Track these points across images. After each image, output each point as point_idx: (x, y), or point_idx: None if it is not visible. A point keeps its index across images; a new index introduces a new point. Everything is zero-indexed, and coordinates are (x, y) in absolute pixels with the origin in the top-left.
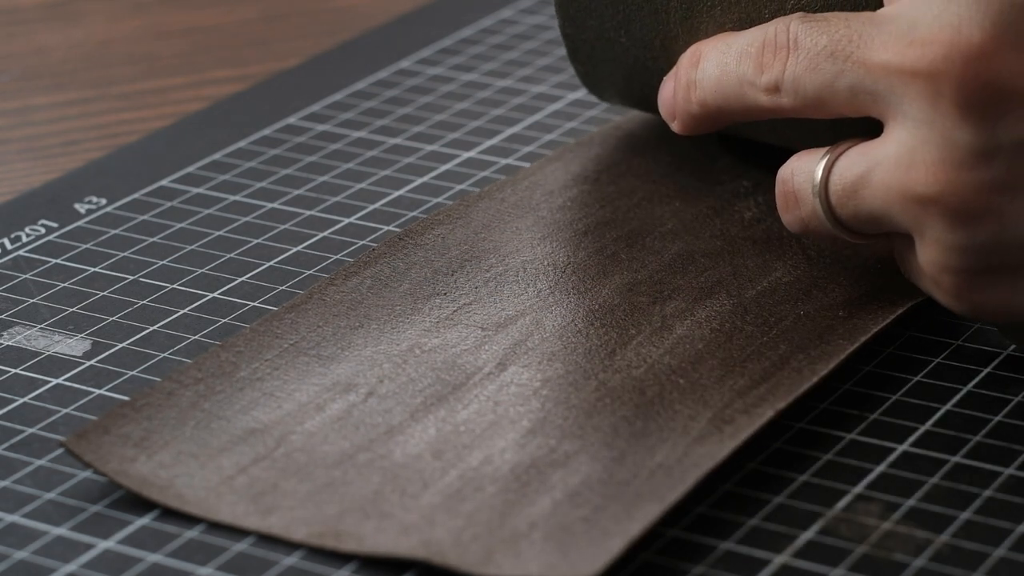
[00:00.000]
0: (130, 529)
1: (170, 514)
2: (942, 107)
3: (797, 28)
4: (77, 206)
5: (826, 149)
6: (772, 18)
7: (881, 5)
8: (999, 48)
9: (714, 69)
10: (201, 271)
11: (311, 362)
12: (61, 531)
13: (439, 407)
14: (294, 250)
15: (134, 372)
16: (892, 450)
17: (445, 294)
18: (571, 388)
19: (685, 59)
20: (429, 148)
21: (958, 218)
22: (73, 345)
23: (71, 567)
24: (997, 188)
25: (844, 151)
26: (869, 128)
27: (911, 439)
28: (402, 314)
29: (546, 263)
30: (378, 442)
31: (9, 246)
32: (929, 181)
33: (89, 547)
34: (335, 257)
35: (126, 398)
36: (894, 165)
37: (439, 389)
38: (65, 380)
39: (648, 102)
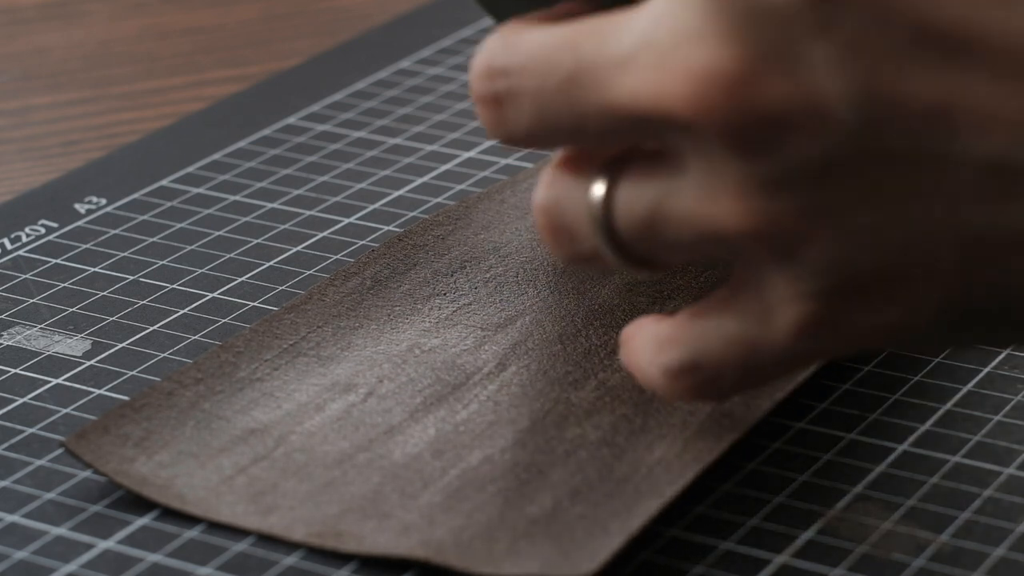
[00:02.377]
0: (130, 529)
1: (170, 514)
2: (712, 147)
3: (505, 65)
4: (77, 206)
5: (595, 171)
6: None
7: None
8: (759, 71)
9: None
10: (201, 271)
11: (311, 362)
12: (61, 531)
13: (439, 407)
14: (294, 250)
15: (134, 372)
16: (892, 450)
17: (445, 295)
18: (571, 388)
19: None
20: (429, 148)
21: (785, 249)
22: (73, 345)
23: (71, 567)
24: (813, 211)
25: (620, 176)
26: None
27: (911, 439)
28: (402, 314)
29: (546, 263)
30: (378, 442)
31: (9, 246)
32: (736, 217)
33: (89, 547)
34: (335, 257)
35: (126, 398)
36: (691, 197)
37: (439, 389)
38: (65, 380)
39: None
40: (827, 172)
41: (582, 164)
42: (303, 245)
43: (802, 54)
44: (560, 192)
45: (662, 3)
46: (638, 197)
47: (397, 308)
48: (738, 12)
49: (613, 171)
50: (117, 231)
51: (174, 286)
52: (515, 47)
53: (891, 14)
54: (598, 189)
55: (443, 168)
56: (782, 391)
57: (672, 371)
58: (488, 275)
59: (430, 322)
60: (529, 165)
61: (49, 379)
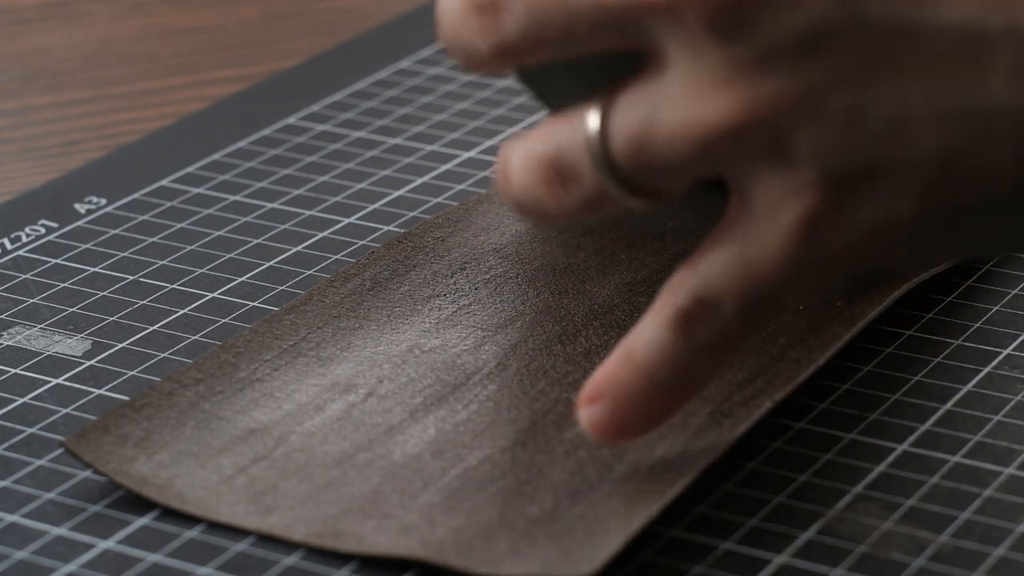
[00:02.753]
0: (130, 529)
1: (170, 514)
2: (695, 34)
3: None
4: (77, 206)
5: (586, 105)
6: None
7: None
8: None
9: (445, 35)
10: (201, 271)
11: (310, 363)
12: (61, 531)
13: (439, 407)
14: (294, 250)
15: (134, 372)
16: (892, 450)
17: (445, 295)
18: (571, 388)
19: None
20: (429, 148)
21: (773, 144)
22: (73, 345)
23: (71, 567)
24: (795, 94)
25: (612, 103)
26: None
27: (911, 439)
28: (401, 315)
29: (546, 264)
30: (378, 442)
31: (9, 246)
32: (722, 111)
33: (89, 547)
34: (335, 257)
35: (126, 398)
36: (678, 100)
37: (439, 389)
38: (65, 380)
39: None
40: (805, 47)
41: (574, 112)
42: (303, 245)
43: None
44: (558, 138)
45: None
46: (630, 116)
47: (397, 309)
48: None
49: (605, 101)
50: (117, 231)
51: (174, 286)
52: None
53: None
54: (593, 119)
55: (443, 168)
56: (781, 391)
57: (678, 317)
58: (488, 276)
59: (430, 323)
60: None
61: (49, 379)
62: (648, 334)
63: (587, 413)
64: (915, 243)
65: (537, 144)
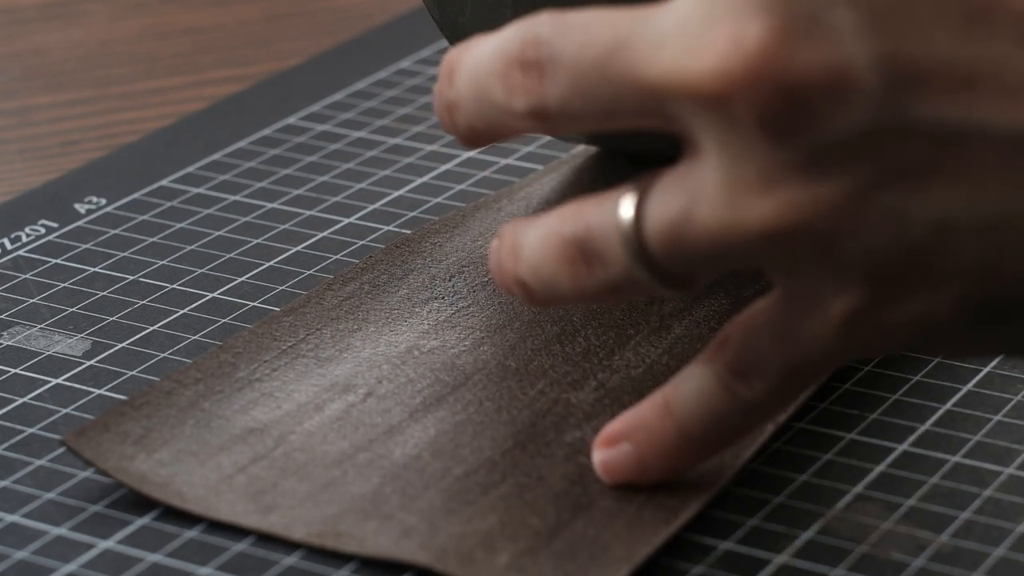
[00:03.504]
0: (130, 529)
1: (170, 514)
2: (742, 130)
3: (549, 36)
4: (77, 206)
5: (621, 189)
6: None
7: None
8: (787, 41)
9: (467, 90)
10: (201, 271)
11: (310, 363)
12: (61, 531)
13: (438, 407)
14: (294, 250)
15: (134, 372)
16: (892, 450)
17: (443, 298)
18: (570, 388)
19: (441, 72)
20: (429, 148)
21: (819, 244)
22: (73, 345)
23: (71, 567)
24: (857, 191)
25: (648, 190)
26: None
27: (911, 439)
28: (400, 317)
29: None
30: (377, 442)
31: (9, 246)
32: (771, 212)
33: (89, 547)
34: (335, 257)
35: (126, 398)
36: (719, 195)
37: (438, 390)
38: (65, 380)
39: None
40: (853, 150)
41: (604, 195)
42: (303, 245)
43: (829, 22)
44: (587, 219)
45: None
46: (667, 207)
47: (395, 311)
48: None
49: (641, 187)
50: (117, 231)
51: (174, 286)
52: (560, 21)
53: None
54: (627, 204)
55: (443, 168)
56: (784, 412)
57: (727, 373)
58: (486, 278)
59: (429, 324)
60: (529, 165)
61: (49, 379)
62: (692, 385)
63: (606, 455)
64: (953, 337)
65: (562, 223)
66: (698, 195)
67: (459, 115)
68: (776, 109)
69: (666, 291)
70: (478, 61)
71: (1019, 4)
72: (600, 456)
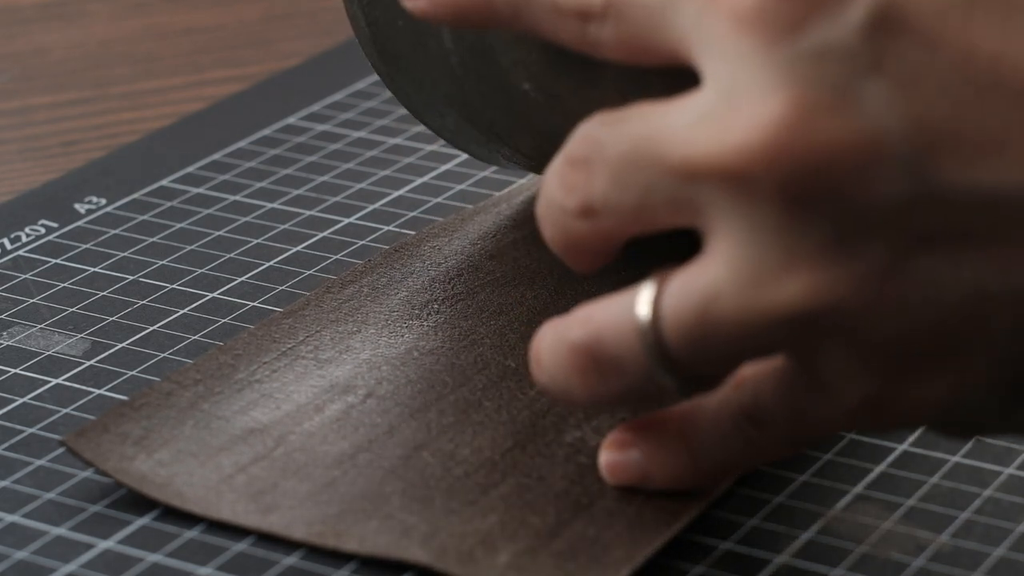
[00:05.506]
0: (130, 529)
1: (170, 514)
2: (766, 207)
3: (597, 132)
4: (77, 206)
5: (630, 291)
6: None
7: None
8: (810, 114)
9: (542, 192)
10: (201, 271)
11: (309, 365)
12: (61, 531)
13: (439, 408)
14: (294, 250)
15: (134, 372)
16: (892, 450)
17: (442, 300)
18: None
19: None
20: (429, 148)
21: (841, 327)
22: (73, 345)
23: (71, 567)
24: (883, 268)
25: (664, 285)
26: None
27: (911, 439)
28: (400, 319)
29: (544, 267)
30: (377, 442)
31: (9, 246)
32: (795, 294)
33: (89, 547)
34: (335, 257)
35: (126, 398)
36: (739, 288)
37: (438, 390)
38: (65, 380)
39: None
40: (877, 227)
41: (615, 296)
42: (303, 245)
43: (854, 92)
44: (598, 322)
45: (724, 71)
46: (686, 300)
47: (395, 313)
48: (790, 60)
49: (656, 284)
50: (117, 231)
51: (174, 286)
52: (611, 117)
53: (937, 48)
54: (643, 302)
55: (443, 168)
56: None
57: (740, 413)
58: (485, 280)
59: (428, 326)
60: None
61: (49, 379)
62: (708, 419)
63: (613, 457)
64: (985, 415)
65: (569, 329)
66: (719, 284)
67: (542, 225)
68: (799, 184)
69: (687, 394)
70: (549, 171)
71: None
72: (607, 457)
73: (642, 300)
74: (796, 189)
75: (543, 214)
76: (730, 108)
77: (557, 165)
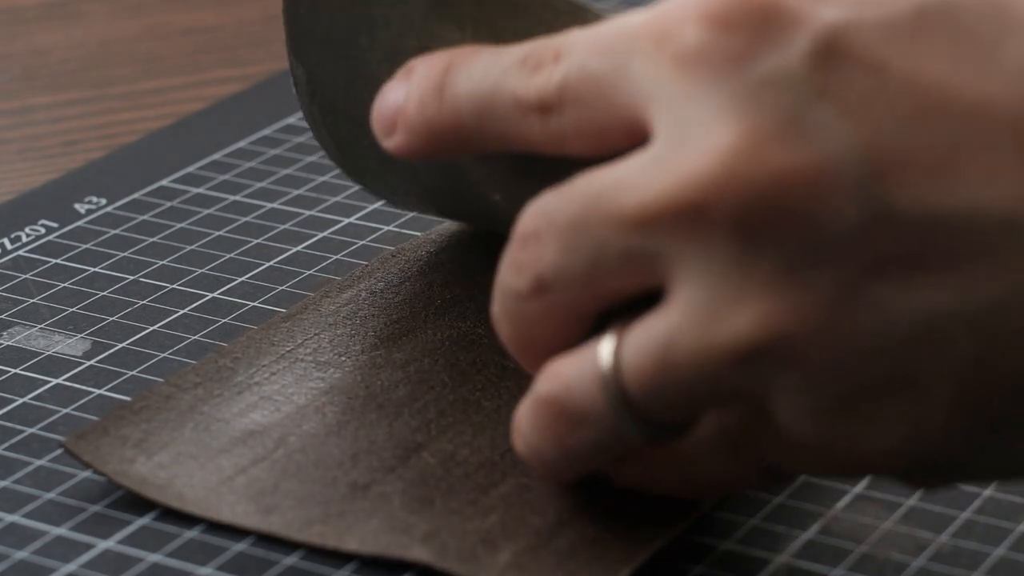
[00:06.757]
0: (130, 529)
1: (170, 514)
2: (719, 241)
3: (545, 204)
4: (77, 206)
5: (589, 345)
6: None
7: None
8: (760, 143)
9: (496, 301)
10: (201, 271)
11: (308, 368)
12: (61, 531)
13: (438, 409)
14: (294, 250)
15: (134, 372)
16: None
17: (441, 302)
18: None
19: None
20: None
21: (803, 352)
22: (73, 345)
23: (71, 567)
24: (833, 296)
25: (621, 339)
26: None
27: None
28: (399, 320)
29: None
30: (377, 443)
31: (9, 246)
32: (745, 327)
33: (89, 547)
34: (335, 257)
35: (126, 398)
36: (693, 328)
37: (438, 391)
38: (65, 380)
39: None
40: (827, 254)
41: (584, 347)
42: (303, 245)
43: (803, 120)
44: (567, 375)
45: (673, 117)
46: (644, 348)
47: (394, 316)
48: (737, 92)
49: (618, 332)
50: (117, 231)
51: (174, 286)
52: (559, 189)
53: (884, 74)
54: (606, 353)
55: None
56: None
57: (726, 437)
58: (486, 281)
59: (428, 328)
60: None
61: (49, 379)
62: (702, 450)
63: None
64: (948, 454)
65: (540, 384)
66: (674, 328)
67: (498, 324)
68: (751, 212)
69: (651, 443)
70: (503, 257)
71: (975, 106)
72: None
73: (604, 351)
74: (748, 218)
75: (497, 310)
76: (681, 147)
77: (508, 250)
